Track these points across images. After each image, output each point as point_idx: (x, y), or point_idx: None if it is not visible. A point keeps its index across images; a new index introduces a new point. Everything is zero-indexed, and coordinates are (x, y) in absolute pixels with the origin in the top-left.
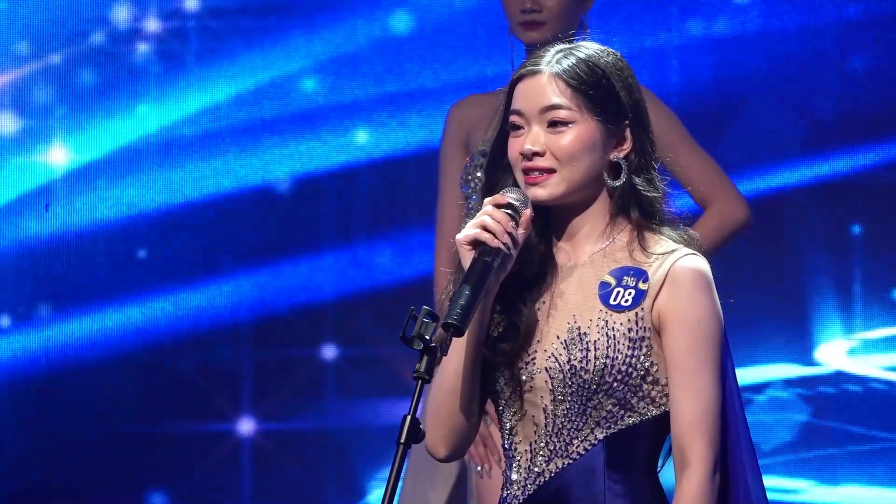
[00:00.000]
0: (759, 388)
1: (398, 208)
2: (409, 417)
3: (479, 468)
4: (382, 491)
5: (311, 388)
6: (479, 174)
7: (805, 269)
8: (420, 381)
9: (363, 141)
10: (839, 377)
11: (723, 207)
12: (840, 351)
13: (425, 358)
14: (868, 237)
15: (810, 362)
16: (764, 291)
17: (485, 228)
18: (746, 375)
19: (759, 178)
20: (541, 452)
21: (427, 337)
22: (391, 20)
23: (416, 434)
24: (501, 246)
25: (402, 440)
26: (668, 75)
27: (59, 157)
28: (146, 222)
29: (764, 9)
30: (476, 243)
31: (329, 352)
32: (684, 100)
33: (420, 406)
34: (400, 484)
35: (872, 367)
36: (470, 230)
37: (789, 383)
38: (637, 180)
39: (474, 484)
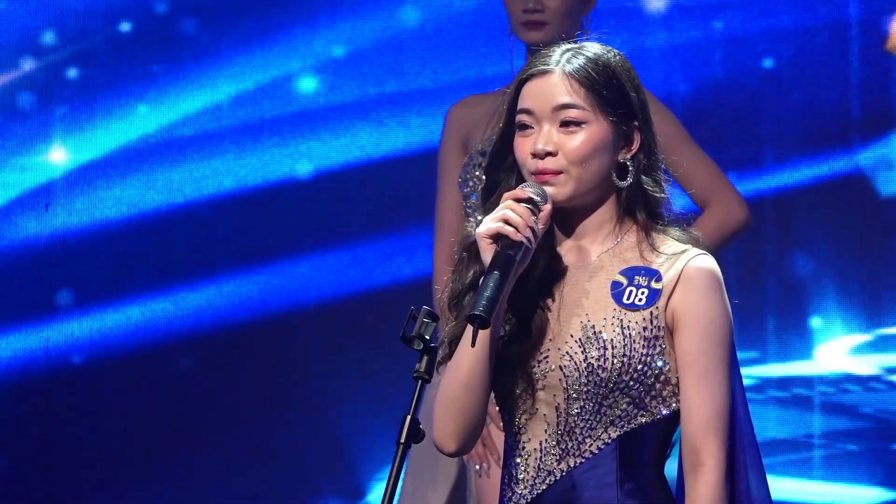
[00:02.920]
0: (759, 388)
1: (398, 208)
2: (408, 417)
3: (477, 467)
4: (382, 491)
5: (311, 388)
6: (477, 173)
7: (805, 269)
8: (420, 381)
9: (363, 141)
10: (839, 377)
11: (722, 208)
12: (840, 351)
13: (425, 358)
14: (868, 237)
15: (810, 362)
16: (764, 291)
17: (507, 222)
18: (747, 375)
19: (759, 178)
20: (552, 451)
21: (427, 337)
22: (391, 20)
23: (416, 434)
24: (524, 239)
25: (402, 440)
26: (667, 76)
27: (59, 157)
28: (146, 222)
29: (764, 9)
30: (498, 237)
31: (332, 350)
32: (684, 101)
33: (421, 406)
34: (400, 484)
35: (872, 367)
36: (492, 224)
37: (789, 383)
38: (644, 181)
39: (473, 484)
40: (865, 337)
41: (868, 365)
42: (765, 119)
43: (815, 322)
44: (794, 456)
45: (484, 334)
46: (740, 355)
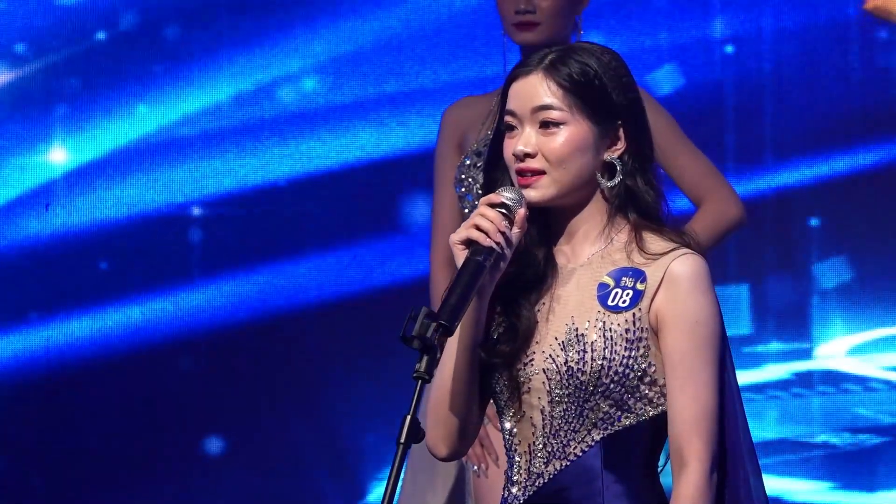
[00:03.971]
0: (759, 388)
1: (398, 208)
2: (409, 417)
3: (475, 468)
4: (382, 491)
5: (311, 388)
6: (472, 174)
7: (805, 269)
8: (420, 381)
9: (363, 141)
10: (839, 377)
11: (716, 205)
12: (840, 351)
13: (425, 358)
14: (868, 237)
15: (810, 362)
16: (764, 291)
17: (477, 228)
18: (746, 375)
19: (759, 178)
20: (539, 454)
21: (427, 337)
22: (391, 20)
23: (416, 434)
24: (494, 245)
25: (402, 440)
26: (667, 75)
27: (59, 157)
28: (146, 222)
29: (763, 9)
30: (469, 243)
31: (332, 350)
32: (683, 100)
33: (421, 406)
34: (399, 484)
35: (872, 367)
36: (462, 230)
37: (789, 383)
38: (632, 180)
39: (472, 484)
40: (865, 337)
41: (868, 365)
42: (765, 119)
43: (816, 322)
44: (794, 456)
45: (459, 342)
46: (739, 354)
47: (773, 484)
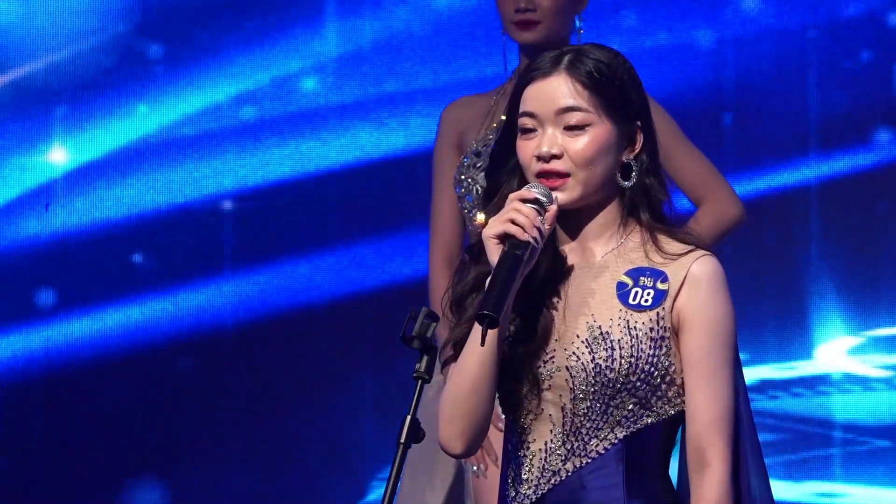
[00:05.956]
0: (759, 387)
1: (398, 208)
2: (409, 417)
3: (475, 468)
4: (382, 491)
5: (311, 388)
6: (471, 174)
7: (805, 269)
8: (420, 382)
9: (363, 141)
10: (839, 377)
11: (716, 206)
12: (840, 351)
13: (425, 358)
14: (868, 236)
15: (810, 362)
16: (764, 291)
17: (514, 222)
18: (746, 375)
19: (759, 178)
20: (557, 451)
21: (427, 337)
22: (392, 20)
23: (417, 434)
24: (531, 239)
25: (403, 440)
26: (667, 75)
27: (59, 157)
28: (146, 222)
29: (763, 9)
30: (505, 237)
31: (333, 350)
32: (683, 100)
33: (421, 406)
34: (399, 484)
35: (872, 367)
36: (498, 225)
37: (789, 383)
38: (647, 181)
39: (471, 484)
40: (865, 337)
41: (868, 365)
42: (765, 119)
43: (816, 322)
44: (795, 456)
45: (491, 334)
46: (741, 355)
47: (773, 484)
